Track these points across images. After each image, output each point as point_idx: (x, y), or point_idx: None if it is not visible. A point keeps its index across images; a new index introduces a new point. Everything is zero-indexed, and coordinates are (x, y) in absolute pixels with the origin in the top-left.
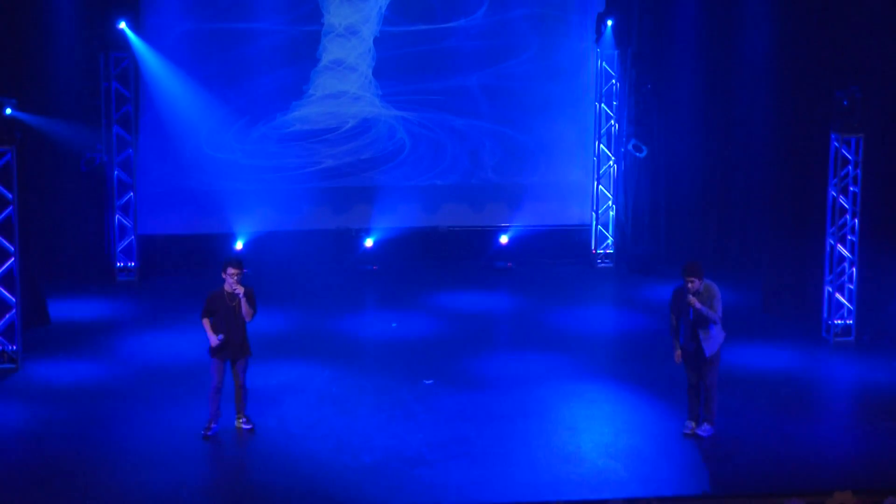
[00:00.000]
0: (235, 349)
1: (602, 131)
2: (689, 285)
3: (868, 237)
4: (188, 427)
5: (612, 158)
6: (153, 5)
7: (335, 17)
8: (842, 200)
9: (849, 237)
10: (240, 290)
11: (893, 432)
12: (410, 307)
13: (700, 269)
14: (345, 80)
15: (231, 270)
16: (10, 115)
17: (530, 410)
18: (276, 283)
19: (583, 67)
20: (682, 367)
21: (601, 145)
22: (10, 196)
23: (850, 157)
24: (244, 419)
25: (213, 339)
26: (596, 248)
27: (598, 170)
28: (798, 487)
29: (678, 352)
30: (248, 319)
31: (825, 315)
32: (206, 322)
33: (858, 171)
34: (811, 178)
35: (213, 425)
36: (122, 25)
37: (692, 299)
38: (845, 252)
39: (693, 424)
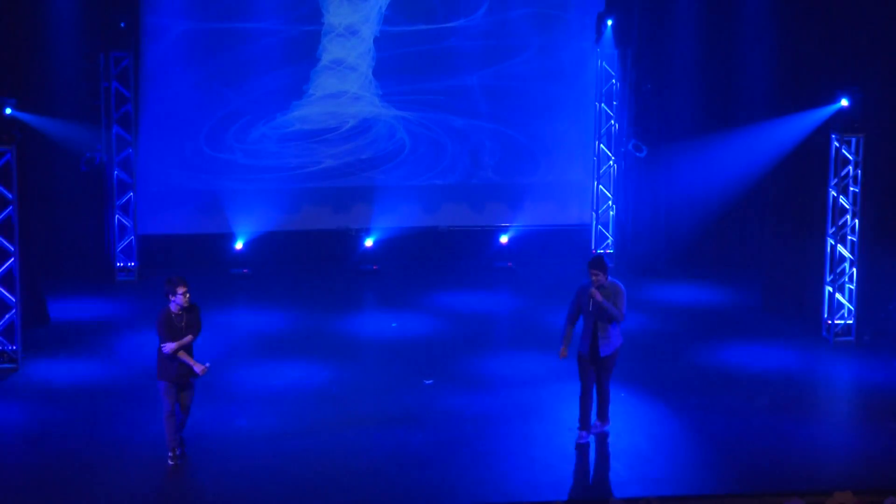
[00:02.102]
0: (186, 373)
1: (602, 131)
2: (593, 278)
3: (868, 237)
4: (187, 427)
5: (612, 158)
6: (153, 5)
7: (335, 16)
8: (842, 200)
9: (849, 237)
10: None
11: (893, 432)
12: (410, 307)
13: (603, 264)
14: (345, 80)
15: (181, 290)
16: (10, 115)
17: (530, 410)
18: (276, 283)
19: (583, 67)
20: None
21: (601, 145)
22: (10, 196)
23: (850, 157)
24: (177, 452)
25: (199, 367)
26: (596, 249)
27: (598, 170)
28: (798, 487)
29: (564, 348)
30: (193, 338)
31: (825, 315)
32: (184, 356)
33: (858, 171)
34: (811, 178)
35: (177, 451)
36: (122, 25)
37: (594, 291)
38: (845, 252)
39: (585, 433)
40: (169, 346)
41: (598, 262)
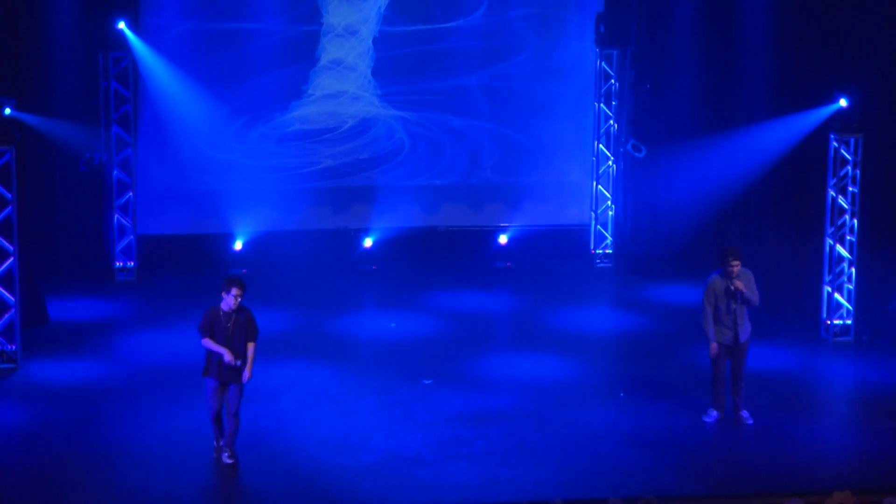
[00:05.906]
0: (231, 371)
1: (601, 131)
2: (734, 269)
3: (867, 237)
4: (187, 427)
5: (612, 158)
6: (152, 5)
7: (334, 16)
8: (840, 200)
9: (847, 237)
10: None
11: (893, 432)
12: (410, 307)
13: (740, 253)
14: (344, 80)
15: (235, 291)
16: (10, 115)
17: (530, 410)
18: (276, 283)
19: (582, 67)
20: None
21: (600, 145)
22: (9, 196)
23: (849, 157)
24: (227, 453)
25: (229, 356)
26: (595, 248)
27: (598, 170)
28: (798, 487)
29: (714, 344)
30: (251, 344)
31: (824, 315)
32: (208, 342)
33: (857, 171)
34: (810, 178)
35: (221, 442)
36: (122, 25)
37: (739, 284)
38: (844, 252)
39: (717, 413)
40: (224, 356)
41: (739, 252)
